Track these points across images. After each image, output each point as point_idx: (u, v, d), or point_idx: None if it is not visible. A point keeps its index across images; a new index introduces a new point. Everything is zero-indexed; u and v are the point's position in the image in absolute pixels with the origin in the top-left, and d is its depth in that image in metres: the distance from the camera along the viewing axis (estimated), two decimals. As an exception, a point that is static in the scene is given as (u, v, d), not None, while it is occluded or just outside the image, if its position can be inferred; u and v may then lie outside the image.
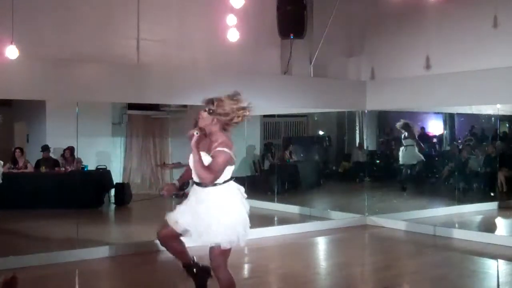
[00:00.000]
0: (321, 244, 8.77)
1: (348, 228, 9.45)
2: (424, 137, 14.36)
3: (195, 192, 4.36)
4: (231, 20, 7.75)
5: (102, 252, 7.27)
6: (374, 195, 10.51)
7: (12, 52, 6.58)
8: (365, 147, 11.98)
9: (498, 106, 8.94)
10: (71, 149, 11.09)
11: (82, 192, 10.47)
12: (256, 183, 12.92)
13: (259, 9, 8.99)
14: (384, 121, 13.84)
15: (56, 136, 11.13)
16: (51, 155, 11.39)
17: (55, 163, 11.31)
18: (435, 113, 13.67)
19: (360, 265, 7.49)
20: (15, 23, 6.65)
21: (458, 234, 8.57)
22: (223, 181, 4.24)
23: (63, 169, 11.20)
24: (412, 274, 6.81)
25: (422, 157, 12.21)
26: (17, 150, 11.09)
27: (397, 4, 8.57)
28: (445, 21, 9.05)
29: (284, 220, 10.12)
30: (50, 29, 7.55)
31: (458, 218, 10.25)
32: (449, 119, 13.30)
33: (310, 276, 6.58)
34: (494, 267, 7.21)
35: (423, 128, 14.41)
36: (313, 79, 9.83)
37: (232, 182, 4.32)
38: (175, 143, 13.69)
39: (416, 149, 12.10)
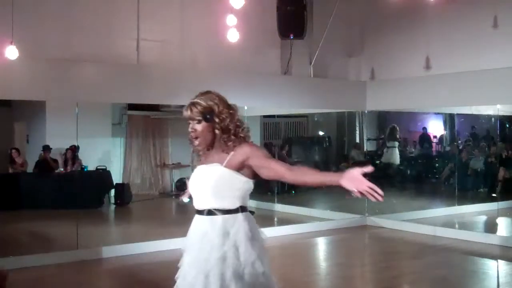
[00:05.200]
0: (321, 245, 8.76)
1: (348, 228, 9.44)
2: (425, 137, 14.39)
3: None
4: (231, 20, 7.74)
5: (101, 252, 7.28)
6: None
7: (12, 52, 6.58)
8: (364, 147, 11.98)
9: (498, 106, 8.93)
10: (73, 149, 11.09)
11: (82, 193, 10.46)
12: (256, 183, 12.90)
13: (259, 9, 8.99)
14: (384, 121, 13.84)
15: (56, 137, 11.12)
16: (51, 155, 11.40)
17: (55, 163, 11.32)
18: (435, 113, 13.67)
19: (360, 265, 7.48)
20: (15, 23, 6.65)
21: (458, 234, 8.57)
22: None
23: (62, 170, 11.20)
24: (412, 274, 6.80)
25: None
26: (13, 151, 11.12)
27: (397, 4, 8.57)
28: (445, 21, 9.05)
29: (284, 220, 10.11)
30: (50, 29, 7.55)
31: (458, 218, 10.24)
32: (449, 120, 13.29)
33: (310, 276, 6.58)
34: (494, 268, 7.20)
35: (424, 128, 14.43)
36: (313, 79, 9.83)
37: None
38: (175, 143, 13.69)
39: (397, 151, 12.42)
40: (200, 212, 2.87)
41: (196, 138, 2.86)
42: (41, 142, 11.39)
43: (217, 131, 2.84)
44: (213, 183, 2.81)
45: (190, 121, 2.86)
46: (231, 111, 2.89)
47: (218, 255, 2.75)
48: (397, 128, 12.43)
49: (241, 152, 2.82)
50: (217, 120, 2.83)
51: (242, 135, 2.87)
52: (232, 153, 2.83)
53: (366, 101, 9.95)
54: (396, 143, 12.59)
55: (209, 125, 2.83)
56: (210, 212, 2.83)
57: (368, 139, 12.85)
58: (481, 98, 8.61)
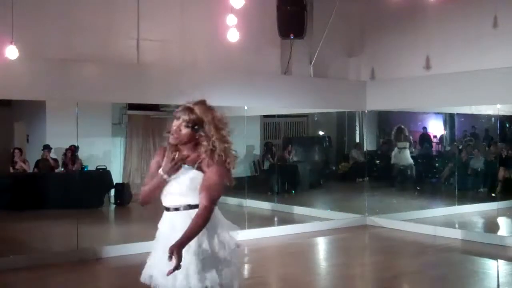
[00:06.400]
0: (321, 245, 8.76)
1: (348, 228, 9.45)
2: (425, 137, 14.40)
3: None
4: (231, 20, 7.74)
5: (101, 252, 7.28)
6: (374, 195, 10.50)
7: (12, 52, 6.58)
8: (364, 147, 11.99)
9: (498, 106, 8.94)
10: (72, 149, 11.10)
11: (82, 192, 10.46)
12: (257, 182, 12.90)
13: (259, 9, 8.99)
14: (384, 121, 13.84)
15: (56, 136, 11.12)
16: (51, 155, 11.40)
17: (55, 163, 11.31)
18: (435, 113, 13.68)
19: (360, 265, 7.49)
20: (15, 23, 6.65)
21: (458, 234, 8.57)
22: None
23: (62, 169, 11.20)
24: (412, 274, 6.81)
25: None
26: (16, 151, 11.12)
27: (397, 4, 8.56)
28: (445, 21, 9.05)
29: (284, 220, 10.11)
30: (50, 29, 7.54)
31: (458, 218, 10.24)
32: (449, 120, 13.30)
33: (310, 276, 6.58)
34: (494, 268, 7.21)
35: (424, 128, 14.45)
36: (313, 79, 9.83)
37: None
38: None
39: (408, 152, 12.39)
40: (168, 209, 3.18)
41: (175, 137, 3.16)
42: (41, 142, 11.38)
43: (204, 143, 3.11)
44: (187, 182, 3.12)
45: (180, 122, 3.13)
46: (222, 132, 3.12)
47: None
48: (404, 127, 12.40)
49: (208, 171, 3.09)
50: (202, 134, 3.12)
51: (220, 157, 3.09)
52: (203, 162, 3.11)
53: (366, 101, 9.95)
54: (408, 144, 12.57)
55: (192, 132, 3.13)
56: (178, 208, 3.15)
57: (383, 143, 12.97)
58: (481, 98, 8.61)
